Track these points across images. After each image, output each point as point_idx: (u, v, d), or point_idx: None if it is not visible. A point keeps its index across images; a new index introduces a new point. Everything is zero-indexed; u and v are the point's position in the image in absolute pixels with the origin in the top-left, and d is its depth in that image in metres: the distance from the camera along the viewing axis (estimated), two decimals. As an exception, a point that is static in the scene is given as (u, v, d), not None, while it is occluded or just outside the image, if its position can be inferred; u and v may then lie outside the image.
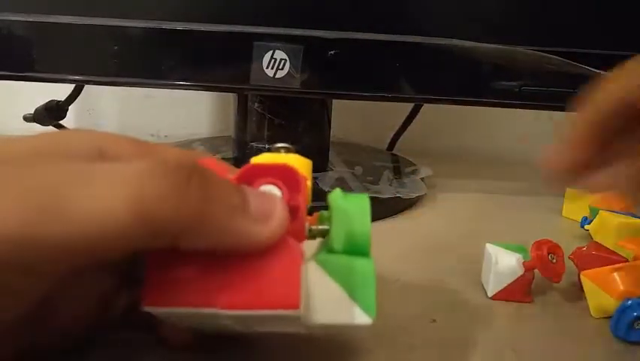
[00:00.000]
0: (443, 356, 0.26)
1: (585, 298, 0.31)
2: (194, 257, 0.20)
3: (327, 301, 0.21)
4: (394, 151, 0.61)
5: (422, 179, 0.50)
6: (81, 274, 0.22)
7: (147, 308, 0.20)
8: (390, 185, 0.47)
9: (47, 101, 0.58)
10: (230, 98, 0.52)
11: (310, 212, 0.23)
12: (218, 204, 0.19)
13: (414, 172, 0.51)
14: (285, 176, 0.21)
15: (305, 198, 0.21)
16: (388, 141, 0.61)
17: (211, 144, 0.57)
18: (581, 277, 0.31)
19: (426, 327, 0.28)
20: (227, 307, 0.19)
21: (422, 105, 0.57)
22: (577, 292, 0.32)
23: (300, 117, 0.48)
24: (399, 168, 0.53)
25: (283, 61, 0.41)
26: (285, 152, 0.24)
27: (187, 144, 0.57)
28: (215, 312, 0.20)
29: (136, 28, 0.41)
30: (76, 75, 0.44)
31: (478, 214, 0.46)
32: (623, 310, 0.28)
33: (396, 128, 0.61)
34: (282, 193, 0.21)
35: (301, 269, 0.20)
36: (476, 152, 0.66)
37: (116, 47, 0.42)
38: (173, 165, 0.18)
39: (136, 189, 0.18)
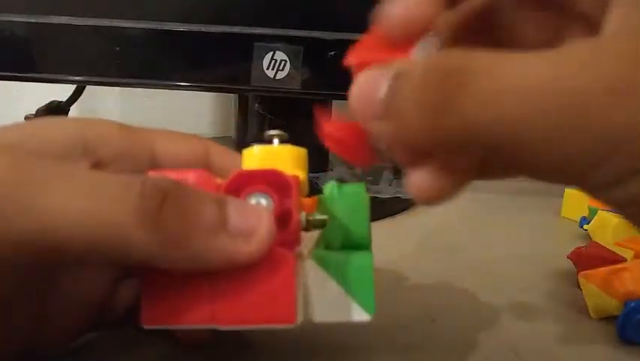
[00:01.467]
0: (443, 356, 0.26)
1: (584, 298, 0.31)
2: (188, 274, 0.20)
3: (325, 299, 0.21)
4: (395, 151, 0.61)
5: (422, 179, 0.50)
6: (81, 273, 0.22)
7: (147, 327, 0.20)
8: (390, 185, 0.47)
9: (49, 101, 0.58)
10: (231, 98, 0.52)
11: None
12: (193, 226, 0.18)
13: (414, 172, 0.51)
14: (274, 181, 0.21)
15: (297, 204, 0.21)
16: (389, 141, 0.61)
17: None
18: (580, 278, 0.31)
19: (426, 327, 0.28)
20: (224, 323, 0.20)
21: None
22: (577, 293, 0.32)
23: (300, 117, 0.48)
24: (399, 168, 0.53)
25: (283, 62, 0.41)
26: (278, 141, 0.23)
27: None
28: (214, 326, 0.20)
29: (137, 29, 0.42)
30: (78, 76, 0.44)
31: (478, 214, 0.46)
32: (628, 312, 0.28)
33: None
34: (273, 201, 0.20)
35: (295, 280, 0.20)
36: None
37: (117, 48, 0.42)
38: (147, 188, 0.18)
39: (104, 212, 0.17)
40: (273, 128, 0.45)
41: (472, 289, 0.33)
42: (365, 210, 0.22)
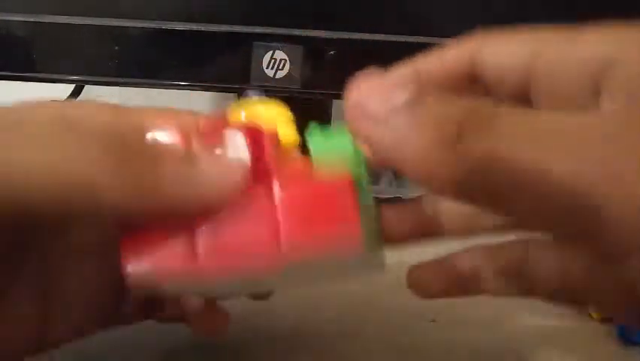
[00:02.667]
0: (443, 356, 0.26)
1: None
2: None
3: None
4: (394, 151, 0.61)
5: (422, 179, 0.50)
6: (85, 270, 0.22)
7: (131, 277, 0.19)
8: (390, 185, 0.47)
9: (48, 101, 0.58)
10: (231, 98, 0.52)
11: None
12: (158, 165, 0.19)
13: (414, 172, 0.51)
14: (249, 130, 0.20)
15: (270, 141, 0.20)
16: (388, 140, 0.61)
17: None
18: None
19: (426, 327, 0.28)
20: (212, 264, 0.19)
21: (422, 105, 0.57)
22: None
23: (300, 117, 0.48)
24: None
25: (283, 61, 0.41)
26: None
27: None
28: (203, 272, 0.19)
29: (136, 28, 0.41)
30: (77, 75, 0.44)
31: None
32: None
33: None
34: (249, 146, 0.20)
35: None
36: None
37: (116, 48, 0.42)
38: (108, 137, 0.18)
39: (70, 164, 0.17)
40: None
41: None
42: (355, 155, 0.21)
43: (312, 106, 0.49)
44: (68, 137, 0.18)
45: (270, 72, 0.42)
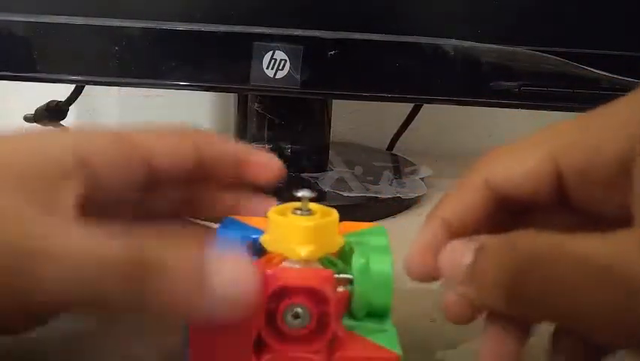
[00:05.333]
0: (443, 355, 0.26)
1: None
2: None
3: None
4: (394, 151, 0.61)
5: (422, 179, 0.50)
6: None
7: None
8: (390, 185, 0.47)
9: (48, 101, 0.58)
10: (231, 98, 0.52)
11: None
12: (174, 293, 0.19)
13: (414, 172, 0.51)
14: (313, 295, 0.21)
15: (335, 315, 0.21)
16: (388, 141, 0.61)
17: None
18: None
19: (425, 327, 0.29)
20: None
21: (422, 105, 0.58)
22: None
23: (300, 117, 0.48)
24: (399, 168, 0.53)
25: (283, 61, 0.41)
26: (303, 212, 0.22)
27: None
28: None
29: (136, 28, 0.42)
30: (77, 75, 0.44)
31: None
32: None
33: (396, 128, 0.61)
34: (309, 313, 0.21)
35: None
36: (476, 152, 0.66)
37: (116, 48, 0.42)
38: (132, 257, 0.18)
39: (93, 280, 0.18)
40: (273, 128, 0.45)
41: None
42: (390, 284, 0.23)
43: (313, 107, 0.49)
44: (92, 251, 0.19)
45: (270, 72, 0.42)
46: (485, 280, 0.19)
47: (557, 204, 0.21)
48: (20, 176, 0.20)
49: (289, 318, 0.21)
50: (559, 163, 0.20)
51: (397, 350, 0.22)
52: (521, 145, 0.22)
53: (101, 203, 0.22)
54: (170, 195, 0.25)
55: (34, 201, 0.19)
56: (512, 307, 0.19)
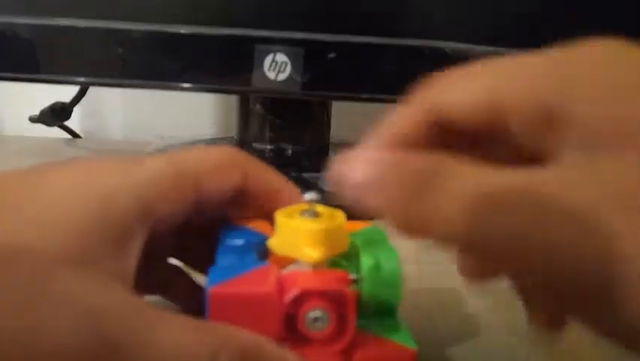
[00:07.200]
0: (441, 354, 0.27)
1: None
2: None
3: None
4: (395, 152, 0.61)
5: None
6: None
7: None
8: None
9: (53, 102, 0.59)
10: (233, 100, 0.52)
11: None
12: None
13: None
14: (332, 298, 0.21)
15: (353, 317, 0.21)
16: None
17: (214, 145, 0.58)
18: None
19: (424, 326, 0.29)
20: None
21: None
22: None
23: (300, 118, 0.49)
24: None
25: (284, 64, 0.42)
26: (311, 214, 0.23)
27: (191, 145, 0.58)
28: None
29: (140, 31, 0.42)
30: (82, 77, 0.44)
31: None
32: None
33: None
34: (329, 315, 0.21)
35: None
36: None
37: (120, 50, 0.42)
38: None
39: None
40: (274, 129, 0.45)
41: (471, 287, 0.33)
42: (399, 282, 0.23)
43: (313, 108, 0.49)
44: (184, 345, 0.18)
45: (271, 75, 0.42)
46: (389, 193, 0.18)
47: (499, 137, 0.20)
48: (82, 234, 0.18)
49: (309, 322, 0.21)
50: (499, 97, 0.19)
51: (413, 346, 0.22)
52: (465, 74, 0.21)
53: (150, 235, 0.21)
54: (208, 216, 0.25)
55: (99, 268, 0.18)
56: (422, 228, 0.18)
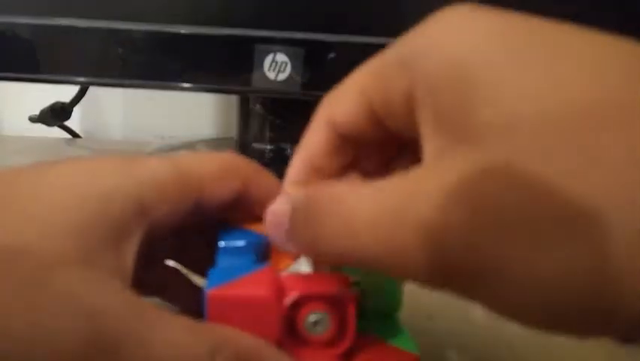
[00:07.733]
0: (439, 353, 0.27)
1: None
2: None
3: None
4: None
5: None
6: None
7: None
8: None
9: (53, 102, 0.59)
10: (233, 100, 0.52)
11: None
12: None
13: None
14: (333, 301, 0.21)
15: (353, 320, 0.21)
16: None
17: (214, 145, 0.58)
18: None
19: (423, 324, 0.29)
20: None
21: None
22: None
23: (300, 118, 0.49)
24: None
25: (284, 64, 0.42)
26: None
27: (190, 145, 0.58)
28: None
29: (140, 31, 0.42)
30: (82, 77, 0.44)
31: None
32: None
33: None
34: (329, 318, 0.21)
35: None
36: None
37: (120, 50, 0.42)
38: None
39: None
40: (274, 129, 0.44)
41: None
42: (400, 284, 0.23)
43: (313, 108, 0.49)
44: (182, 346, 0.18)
45: (271, 75, 0.42)
46: (298, 238, 0.19)
47: (385, 135, 0.21)
48: (81, 234, 0.18)
49: (309, 325, 0.21)
50: (369, 98, 0.20)
51: (416, 351, 0.21)
52: (346, 83, 0.22)
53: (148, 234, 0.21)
54: (207, 218, 0.25)
55: (98, 267, 0.18)
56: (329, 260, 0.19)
